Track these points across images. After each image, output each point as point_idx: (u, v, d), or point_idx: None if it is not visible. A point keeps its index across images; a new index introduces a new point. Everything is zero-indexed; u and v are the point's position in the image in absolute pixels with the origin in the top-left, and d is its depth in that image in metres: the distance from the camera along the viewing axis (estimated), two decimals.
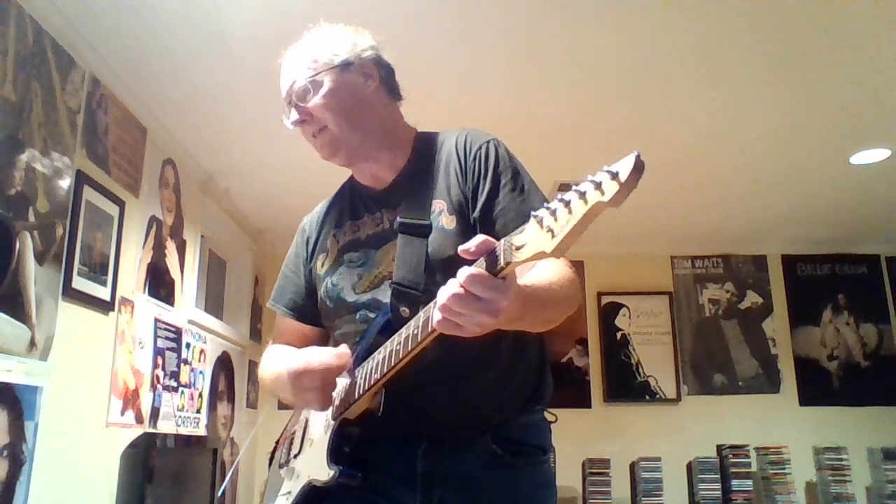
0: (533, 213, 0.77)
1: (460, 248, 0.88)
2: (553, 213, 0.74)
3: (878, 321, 4.60)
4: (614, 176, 0.67)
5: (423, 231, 1.17)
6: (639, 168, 0.67)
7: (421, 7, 2.18)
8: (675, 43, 2.39)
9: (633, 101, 2.79)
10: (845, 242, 4.62)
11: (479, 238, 0.86)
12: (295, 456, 1.27)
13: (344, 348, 1.14)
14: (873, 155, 3.26)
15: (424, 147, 1.28)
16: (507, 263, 0.81)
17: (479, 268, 0.85)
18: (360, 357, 1.15)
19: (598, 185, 0.69)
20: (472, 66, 2.53)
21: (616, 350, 4.55)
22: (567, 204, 0.72)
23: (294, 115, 1.25)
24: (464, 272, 0.84)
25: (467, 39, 2.36)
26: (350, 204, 1.34)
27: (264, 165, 3.33)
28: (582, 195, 0.70)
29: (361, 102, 1.26)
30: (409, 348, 0.98)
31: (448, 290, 0.86)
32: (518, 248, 0.79)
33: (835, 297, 4.64)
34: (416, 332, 0.97)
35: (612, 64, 2.52)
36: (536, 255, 0.77)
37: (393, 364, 1.02)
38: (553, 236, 0.74)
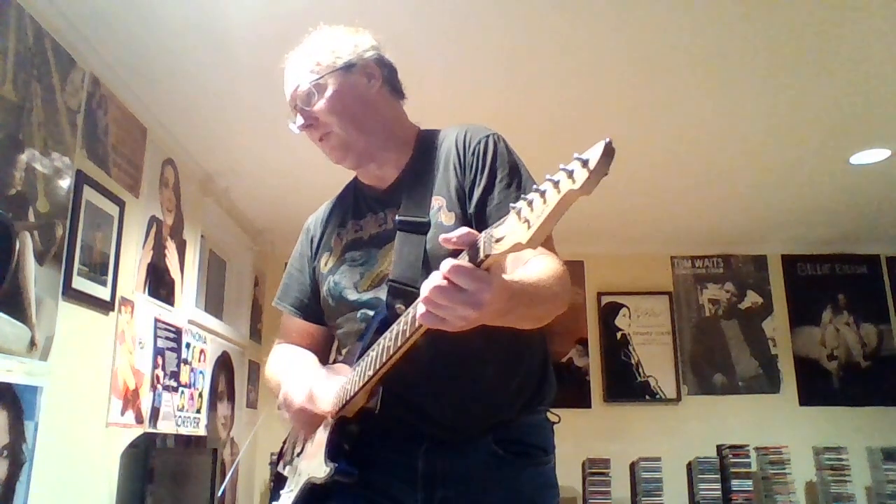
0: (512, 204, 0.77)
1: (442, 236, 0.88)
2: (530, 203, 0.74)
3: (878, 321, 4.60)
4: (584, 163, 0.68)
5: (422, 228, 1.17)
6: (608, 154, 0.67)
7: (420, 6, 2.18)
8: (674, 42, 2.39)
9: (632, 101, 2.79)
10: (845, 242, 4.62)
11: (463, 230, 0.86)
12: (298, 454, 1.27)
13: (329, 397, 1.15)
14: (873, 155, 3.26)
15: (426, 145, 1.28)
16: (487, 256, 0.81)
17: (462, 260, 0.85)
18: (361, 355, 1.15)
19: (570, 174, 0.69)
20: (471, 65, 2.52)
21: (616, 350, 4.55)
22: (542, 194, 0.72)
23: (300, 120, 1.25)
24: (447, 263, 0.84)
25: (466, 37, 2.36)
26: (354, 203, 1.34)
27: (264, 165, 3.33)
28: (556, 184, 0.71)
29: (365, 103, 1.25)
30: (399, 344, 0.98)
31: (431, 282, 0.85)
32: (498, 241, 0.80)
33: (835, 297, 4.64)
34: (404, 327, 0.97)
35: (611, 64, 2.52)
36: (514, 247, 0.77)
37: (384, 360, 1.02)
38: (529, 227, 0.74)
